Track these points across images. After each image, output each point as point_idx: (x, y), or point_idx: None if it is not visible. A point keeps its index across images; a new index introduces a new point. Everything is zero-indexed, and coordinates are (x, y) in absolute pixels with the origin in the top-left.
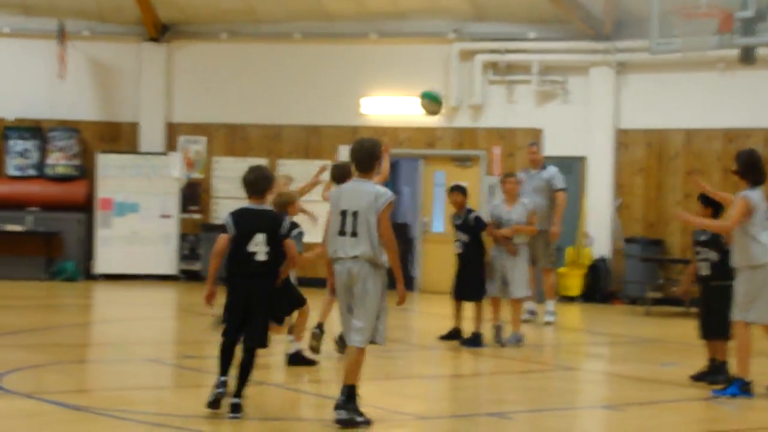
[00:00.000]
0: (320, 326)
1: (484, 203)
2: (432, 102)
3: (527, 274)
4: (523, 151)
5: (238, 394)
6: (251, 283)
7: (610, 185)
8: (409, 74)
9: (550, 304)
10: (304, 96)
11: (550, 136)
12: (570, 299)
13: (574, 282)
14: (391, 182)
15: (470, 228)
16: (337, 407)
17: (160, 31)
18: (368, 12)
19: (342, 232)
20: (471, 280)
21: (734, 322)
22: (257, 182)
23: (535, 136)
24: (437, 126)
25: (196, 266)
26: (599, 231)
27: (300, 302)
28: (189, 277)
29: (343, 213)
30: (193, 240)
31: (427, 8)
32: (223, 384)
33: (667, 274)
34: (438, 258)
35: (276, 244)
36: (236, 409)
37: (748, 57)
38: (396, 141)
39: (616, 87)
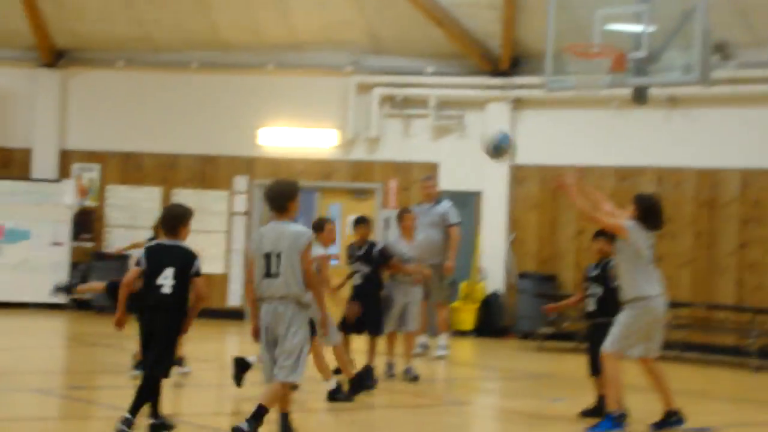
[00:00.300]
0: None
1: (380, 236)
2: (499, 151)
3: (420, 308)
4: (419, 184)
5: (131, 413)
6: (155, 314)
7: (504, 220)
8: (307, 106)
9: (443, 339)
10: (201, 125)
11: (446, 170)
12: (463, 334)
13: (467, 316)
14: None
15: (373, 260)
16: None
17: (55, 57)
18: (266, 43)
19: (268, 274)
20: (370, 314)
21: (606, 354)
22: (169, 220)
23: (431, 170)
24: (333, 158)
25: (87, 295)
26: (493, 266)
27: None
28: (80, 306)
29: (267, 255)
30: (84, 268)
31: (326, 40)
32: (127, 422)
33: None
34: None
35: (184, 280)
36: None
37: (640, 97)
38: (292, 172)
39: (512, 123)
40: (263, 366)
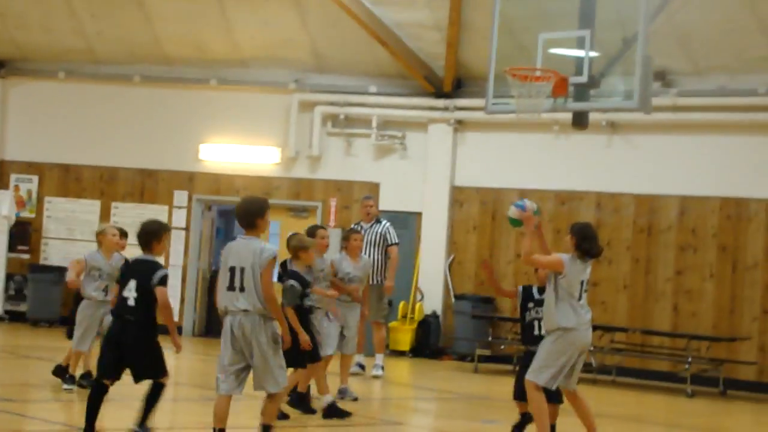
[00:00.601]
0: None
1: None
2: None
3: (358, 329)
4: (359, 203)
5: (141, 423)
6: (122, 325)
7: (444, 242)
8: (249, 122)
9: (380, 358)
10: (142, 139)
11: (387, 190)
12: (400, 354)
13: (404, 336)
14: (225, 229)
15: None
16: None
17: None
18: (209, 58)
19: (231, 288)
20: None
21: (529, 383)
22: (143, 235)
23: (372, 189)
24: (274, 175)
25: (22, 307)
26: (432, 287)
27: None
28: (13, 318)
29: (232, 269)
30: (20, 280)
31: (269, 57)
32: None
33: (497, 332)
34: None
35: (146, 291)
36: None
37: (580, 121)
38: (232, 189)
39: (454, 144)
40: (225, 376)
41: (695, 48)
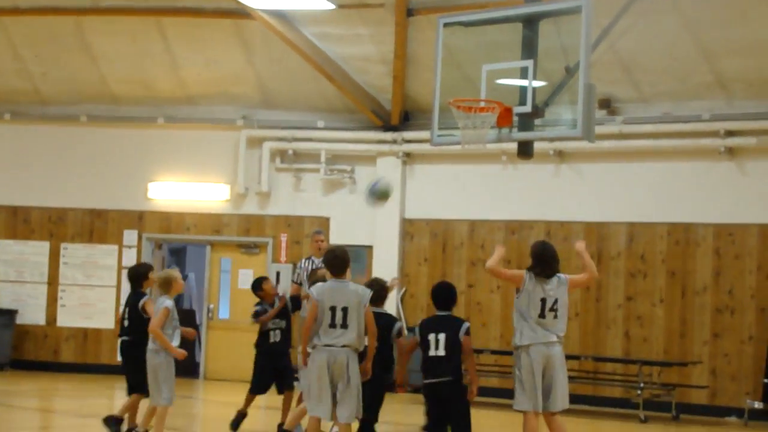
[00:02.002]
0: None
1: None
2: (380, 197)
3: None
4: (310, 238)
5: None
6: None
7: (396, 274)
8: (198, 160)
9: None
10: (90, 179)
11: (337, 224)
12: None
13: None
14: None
15: (287, 312)
16: None
17: None
18: (156, 96)
19: (333, 325)
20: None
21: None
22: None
23: (322, 224)
24: (224, 212)
25: None
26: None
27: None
28: None
29: (333, 309)
30: None
31: (216, 94)
32: None
33: None
34: (223, 345)
35: (133, 316)
36: None
37: (525, 151)
38: (182, 227)
39: (403, 177)
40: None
41: (639, 75)
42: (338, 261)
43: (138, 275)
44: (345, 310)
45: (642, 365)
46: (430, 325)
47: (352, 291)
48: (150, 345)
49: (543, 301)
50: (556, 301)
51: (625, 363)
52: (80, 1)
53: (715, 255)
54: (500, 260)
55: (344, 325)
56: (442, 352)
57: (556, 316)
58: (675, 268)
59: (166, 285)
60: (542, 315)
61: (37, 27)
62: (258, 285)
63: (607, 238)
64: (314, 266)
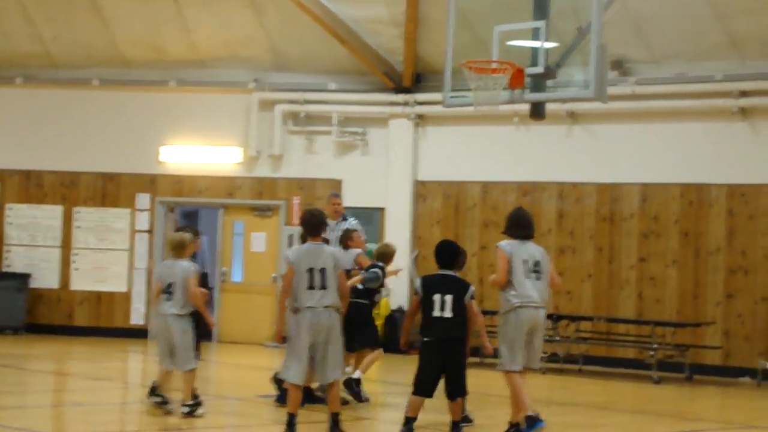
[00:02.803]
0: None
1: (284, 251)
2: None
3: None
4: (323, 201)
5: None
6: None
7: (408, 236)
8: (209, 123)
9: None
10: (102, 143)
11: (350, 186)
12: None
13: None
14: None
15: None
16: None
17: None
18: (167, 60)
19: (311, 287)
20: None
21: (504, 372)
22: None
23: (334, 186)
24: (236, 175)
25: None
26: (397, 282)
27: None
28: None
29: (310, 270)
30: None
31: (228, 57)
32: None
33: None
34: (237, 308)
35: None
36: None
37: (538, 112)
38: (195, 190)
39: (415, 139)
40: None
41: (652, 36)
42: (315, 221)
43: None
44: (323, 271)
45: (655, 326)
46: (434, 284)
47: (329, 253)
48: (178, 311)
49: (525, 262)
50: (537, 263)
51: (638, 324)
52: None
53: (728, 215)
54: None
55: (323, 287)
56: (449, 314)
57: (538, 278)
58: (688, 229)
59: (181, 249)
60: (527, 276)
61: None
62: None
63: (619, 199)
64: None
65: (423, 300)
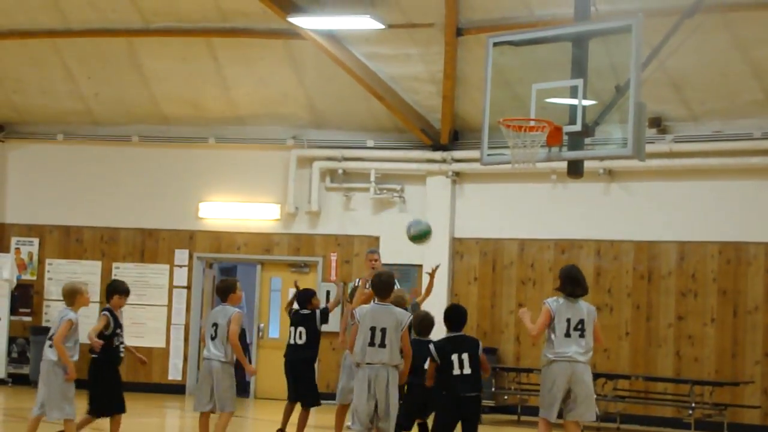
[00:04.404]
0: None
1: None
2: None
3: None
4: (361, 257)
5: None
6: None
7: (445, 293)
8: (248, 179)
9: None
10: (141, 199)
11: (387, 243)
12: None
13: None
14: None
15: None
16: None
17: None
18: (207, 117)
19: (371, 344)
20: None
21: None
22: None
23: (372, 243)
24: (275, 232)
25: (24, 370)
26: (435, 338)
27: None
28: (17, 381)
29: (373, 329)
30: (22, 343)
31: (266, 114)
32: None
33: (500, 382)
34: (274, 364)
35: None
36: None
37: (576, 170)
38: (233, 246)
39: (452, 196)
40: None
41: (689, 94)
42: (383, 285)
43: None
44: (383, 330)
45: (693, 385)
46: (448, 347)
47: (392, 313)
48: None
49: (568, 321)
50: (581, 321)
51: (677, 383)
52: (132, 23)
53: (766, 274)
54: (531, 320)
55: (382, 345)
56: (468, 370)
57: (581, 335)
58: (726, 287)
59: (70, 297)
60: (567, 334)
61: (90, 48)
62: (308, 299)
63: (657, 257)
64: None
65: (441, 364)
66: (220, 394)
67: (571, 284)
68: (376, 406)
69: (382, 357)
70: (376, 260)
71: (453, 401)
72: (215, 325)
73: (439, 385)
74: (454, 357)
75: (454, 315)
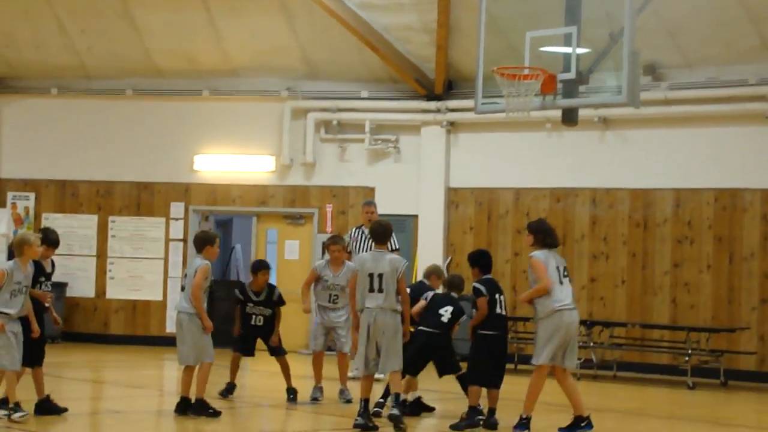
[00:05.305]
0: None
1: (316, 260)
2: None
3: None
4: (356, 208)
5: None
6: None
7: (441, 243)
8: (242, 131)
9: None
10: (136, 152)
11: (382, 194)
12: None
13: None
14: (222, 239)
15: (273, 303)
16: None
17: None
18: (200, 69)
19: (371, 289)
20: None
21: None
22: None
23: (367, 194)
24: (269, 184)
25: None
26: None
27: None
28: None
29: (371, 275)
30: None
31: (260, 66)
32: None
33: None
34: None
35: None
36: None
37: (570, 118)
38: (228, 198)
39: (447, 146)
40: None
41: (684, 41)
42: (382, 231)
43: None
44: (380, 276)
45: (689, 332)
46: (494, 286)
47: (389, 260)
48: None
49: (557, 269)
50: (565, 268)
51: (673, 330)
52: None
53: (762, 220)
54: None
55: (380, 290)
56: (504, 311)
57: (570, 281)
58: (722, 234)
59: (17, 248)
60: (561, 281)
61: (82, 2)
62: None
63: (653, 205)
64: (364, 236)
65: (489, 301)
66: (191, 347)
67: (549, 235)
68: (377, 350)
69: (379, 301)
70: (372, 212)
71: (495, 337)
72: (185, 275)
73: (483, 325)
74: (498, 297)
75: (487, 259)
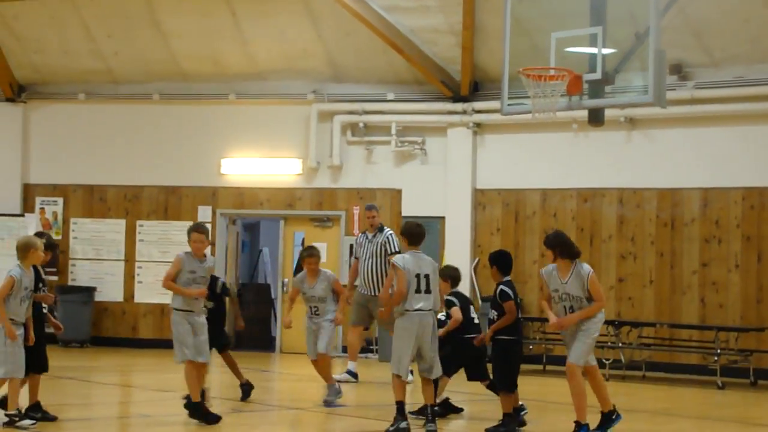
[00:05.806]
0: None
1: (344, 263)
2: None
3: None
4: (384, 210)
5: None
6: None
7: (468, 245)
8: (269, 135)
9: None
10: (163, 157)
11: (409, 195)
12: None
13: None
14: (250, 242)
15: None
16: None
17: (16, 92)
18: (226, 73)
19: (418, 290)
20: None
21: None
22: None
23: (394, 196)
24: (297, 186)
25: (52, 329)
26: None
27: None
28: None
29: (417, 276)
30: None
31: (286, 69)
32: None
33: (525, 332)
34: (298, 318)
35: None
36: None
37: (596, 118)
38: (256, 202)
39: (474, 147)
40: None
41: (710, 40)
42: (418, 231)
43: None
44: (427, 277)
45: (718, 331)
46: (514, 291)
47: (429, 260)
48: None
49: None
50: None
51: (701, 329)
52: None
53: None
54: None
55: (428, 290)
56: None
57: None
58: (750, 233)
59: (22, 252)
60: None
61: (109, 7)
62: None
63: (680, 204)
64: (368, 241)
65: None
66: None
67: (569, 246)
68: (419, 353)
69: (428, 303)
70: (373, 216)
71: (518, 344)
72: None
73: (509, 331)
74: (519, 301)
75: (507, 259)
